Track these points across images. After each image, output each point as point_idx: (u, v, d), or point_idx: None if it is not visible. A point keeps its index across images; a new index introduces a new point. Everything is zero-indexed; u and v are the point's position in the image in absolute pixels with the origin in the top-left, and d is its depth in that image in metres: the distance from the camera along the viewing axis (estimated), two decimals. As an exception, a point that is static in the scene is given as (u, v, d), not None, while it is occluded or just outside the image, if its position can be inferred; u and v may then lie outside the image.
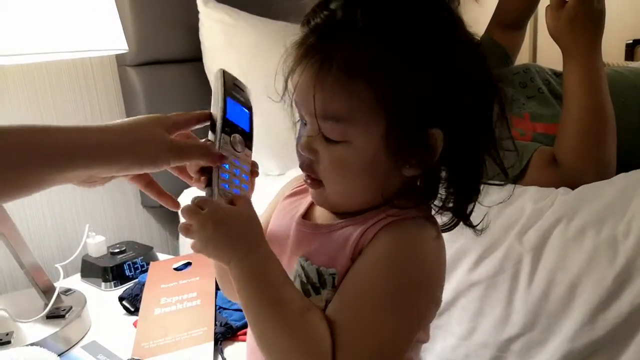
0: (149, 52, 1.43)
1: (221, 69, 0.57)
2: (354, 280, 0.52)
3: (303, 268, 0.57)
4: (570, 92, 1.01)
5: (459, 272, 0.88)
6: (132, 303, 1.07)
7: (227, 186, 0.53)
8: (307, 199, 0.64)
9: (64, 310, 0.96)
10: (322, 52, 0.49)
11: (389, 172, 0.53)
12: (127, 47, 1.07)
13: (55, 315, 0.95)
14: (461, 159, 0.53)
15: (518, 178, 1.06)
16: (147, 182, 0.62)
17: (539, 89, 1.28)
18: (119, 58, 1.44)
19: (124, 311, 1.07)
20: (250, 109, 0.59)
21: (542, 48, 2.79)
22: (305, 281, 0.56)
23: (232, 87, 0.56)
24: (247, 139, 0.57)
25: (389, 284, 0.50)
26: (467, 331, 0.85)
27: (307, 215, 0.63)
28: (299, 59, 0.51)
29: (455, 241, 0.91)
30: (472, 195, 0.55)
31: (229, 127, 0.55)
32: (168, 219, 1.62)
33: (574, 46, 0.99)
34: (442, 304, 0.87)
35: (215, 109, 0.56)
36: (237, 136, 0.55)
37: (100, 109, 1.44)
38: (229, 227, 0.51)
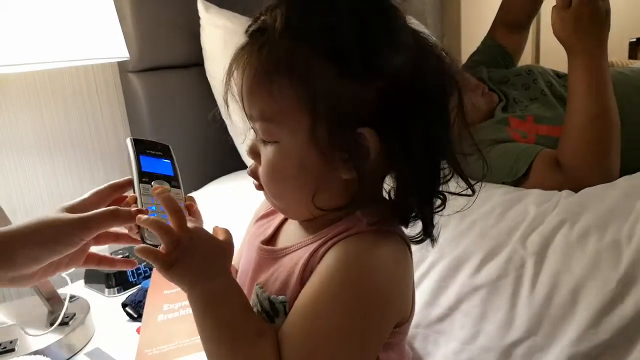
0: (151, 58, 1.43)
1: (130, 137, 0.61)
2: (301, 306, 0.49)
3: (257, 296, 0.56)
4: (575, 94, 1.00)
5: (461, 276, 0.87)
6: (135, 309, 1.07)
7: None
8: (277, 220, 0.63)
9: (67, 317, 0.96)
10: (248, 54, 0.49)
11: (326, 175, 0.50)
12: (128, 55, 1.06)
13: (59, 323, 0.95)
14: (406, 163, 0.49)
15: (521, 180, 1.06)
16: (97, 260, 0.63)
17: (542, 91, 1.27)
18: (121, 64, 1.43)
19: (128, 317, 1.07)
20: (170, 158, 0.63)
21: (545, 49, 2.78)
22: (260, 310, 0.55)
23: (145, 147, 0.62)
24: (173, 179, 0.61)
25: (336, 309, 0.47)
26: (470, 335, 0.84)
27: (274, 237, 0.62)
28: (230, 64, 0.51)
29: (457, 245, 0.90)
30: (427, 204, 0.52)
31: (148, 176, 0.59)
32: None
33: (579, 46, 0.98)
34: (444, 309, 0.88)
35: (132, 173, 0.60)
36: (158, 181, 0.59)
37: (103, 115, 1.44)
38: (200, 253, 0.50)
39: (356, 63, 0.45)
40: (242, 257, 0.65)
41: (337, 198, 0.51)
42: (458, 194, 0.55)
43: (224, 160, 1.43)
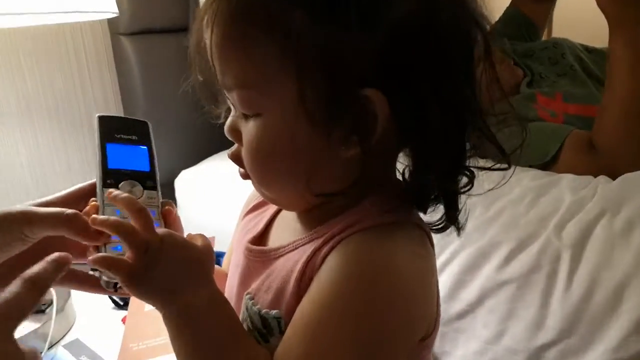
0: (144, 20, 1.33)
1: (98, 115, 0.49)
2: (300, 326, 0.40)
3: (247, 309, 0.47)
4: (616, 68, 0.91)
5: (486, 268, 0.79)
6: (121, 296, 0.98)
7: (120, 248, 0.44)
8: (269, 212, 0.54)
9: (44, 304, 0.87)
10: (217, 2, 0.40)
11: (322, 153, 0.41)
12: (117, 11, 0.96)
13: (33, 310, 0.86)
14: (423, 131, 0.40)
15: (550, 163, 0.98)
16: (78, 280, 0.49)
17: (571, 66, 1.18)
18: (112, 26, 1.34)
19: (112, 305, 0.98)
20: (147, 143, 0.50)
21: (561, 23, 2.64)
22: (252, 327, 0.46)
23: (115, 130, 0.49)
24: (147, 178, 0.49)
25: (345, 330, 0.38)
26: (494, 335, 0.77)
27: (266, 233, 0.52)
28: (199, 17, 0.42)
29: (482, 234, 0.82)
30: (450, 182, 0.43)
31: (114, 176, 0.47)
32: (164, 197, 1.52)
33: (623, 16, 0.90)
34: (465, 305, 0.80)
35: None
36: (127, 183, 0.47)
37: (91, 80, 1.35)
38: (173, 260, 0.41)
39: (350, 4, 0.37)
40: (231, 262, 0.55)
41: (337, 181, 0.42)
42: (489, 169, 0.44)
43: (222, 135, 1.32)
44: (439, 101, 0.39)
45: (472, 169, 0.44)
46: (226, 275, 0.57)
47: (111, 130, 0.49)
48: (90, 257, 0.40)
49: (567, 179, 0.88)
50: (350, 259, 0.40)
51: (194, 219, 1.32)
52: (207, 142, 1.37)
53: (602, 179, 0.87)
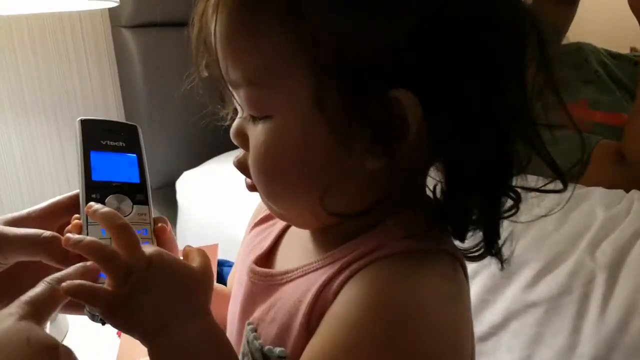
0: (147, 13, 1.27)
1: (80, 119, 0.44)
2: None
3: (248, 343, 0.41)
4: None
5: (512, 288, 0.74)
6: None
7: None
8: (278, 227, 0.48)
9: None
10: None
11: (341, 164, 0.35)
12: (117, 1, 0.90)
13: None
14: (463, 141, 0.34)
15: (575, 175, 0.92)
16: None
17: (596, 72, 1.13)
18: (113, 17, 1.29)
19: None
20: (137, 150, 0.45)
21: (582, 27, 2.59)
22: None
23: (100, 136, 0.44)
24: (138, 191, 0.43)
25: None
26: None
27: (272, 252, 0.46)
28: (202, 3, 0.37)
29: (507, 251, 0.76)
30: (492, 205, 0.37)
31: (99, 190, 0.42)
32: (166, 201, 1.47)
33: None
34: (488, 327, 0.74)
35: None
36: (114, 197, 0.42)
37: (90, 74, 1.30)
38: (162, 287, 0.36)
39: None
40: (235, 281, 0.49)
41: (357, 199, 0.37)
42: (540, 190, 0.38)
43: (227, 136, 1.27)
44: (482, 106, 0.33)
45: (518, 189, 0.38)
46: (228, 299, 0.51)
47: (95, 136, 0.44)
48: (63, 285, 0.34)
49: (598, 192, 0.83)
50: (370, 294, 0.34)
51: (195, 223, 1.28)
52: (211, 142, 1.30)
53: (636, 194, 0.83)
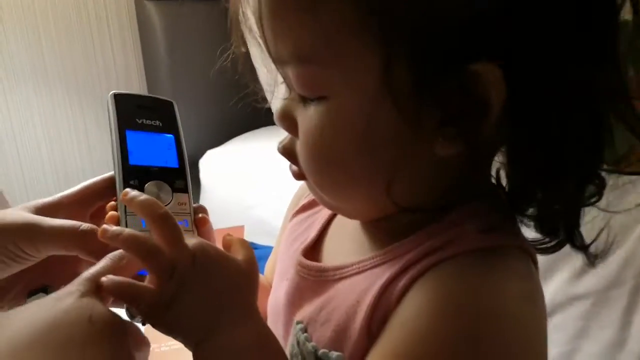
0: (171, -15, 1.26)
1: (112, 93, 0.39)
2: None
3: (298, 344, 0.38)
4: None
5: (556, 280, 0.71)
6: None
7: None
8: (324, 215, 0.44)
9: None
10: None
11: (408, 151, 0.32)
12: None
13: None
14: (550, 121, 0.30)
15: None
16: None
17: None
18: None
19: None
20: (174, 130, 0.41)
21: None
22: None
23: (135, 113, 0.40)
24: (177, 177, 0.39)
25: None
26: (562, 354, 0.70)
27: (319, 243, 0.43)
28: None
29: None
30: (579, 193, 0.33)
31: (137, 175, 0.38)
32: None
33: None
34: None
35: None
36: (153, 184, 0.38)
37: (113, 48, 1.27)
38: (209, 284, 0.32)
39: None
40: (276, 270, 0.46)
41: (424, 188, 0.34)
42: (631, 173, 0.34)
43: (253, 113, 1.25)
44: (580, 80, 0.29)
45: (604, 172, 0.33)
46: (268, 289, 0.47)
47: (130, 113, 0.40)
48: (104, 281, 0.30)
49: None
50: (443, 301, 0.31)
51: (219, 203, 1.26)
52: (235, 119, 1.29)
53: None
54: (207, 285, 0.32)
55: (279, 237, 0.51)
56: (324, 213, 0.44)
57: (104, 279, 0.30)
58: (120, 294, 0.30)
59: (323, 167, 0.34)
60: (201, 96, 1.29)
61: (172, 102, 0.42)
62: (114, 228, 0.32)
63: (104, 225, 0.32)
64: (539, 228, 0.34)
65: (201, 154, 1.30)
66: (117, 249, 0.33)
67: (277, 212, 1.13)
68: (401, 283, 0.32)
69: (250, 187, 1.19)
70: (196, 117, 1.31)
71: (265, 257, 0.99)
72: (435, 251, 0.32)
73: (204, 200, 1.32)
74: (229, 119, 1.32)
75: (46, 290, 0.39)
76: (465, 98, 0.29)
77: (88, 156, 1.25)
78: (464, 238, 0.32)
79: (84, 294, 0.30)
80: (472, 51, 0.28)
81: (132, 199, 0.33)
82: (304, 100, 0.33)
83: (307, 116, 0.33)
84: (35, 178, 1.18)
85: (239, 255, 0.34)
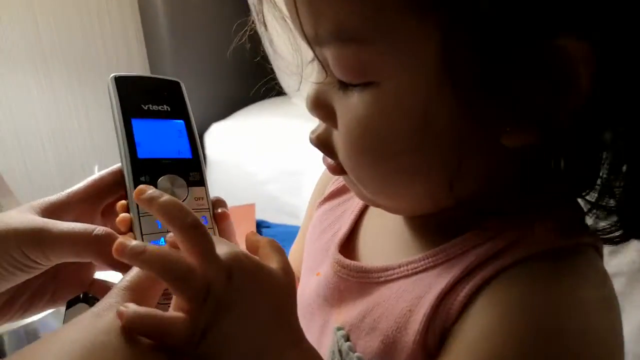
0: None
1: (113, 76, 0.36)
2: None
3: (341, 353, 0.34)
4: None
5: None
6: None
7: None
8: (355, 205, 0.41)
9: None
10: None
11: (474, 143, 0.28)
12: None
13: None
14: None
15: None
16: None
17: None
18: None
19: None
20: (184, 115, 0.37)
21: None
22: None
23: (140, 98, 0.36)
24: (191, 168, 0.36)
25: None
26: None
27: (353, 235, 0.39)
28: None
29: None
30: None
31: (148, 170, 0.35)
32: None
33: None
34: None
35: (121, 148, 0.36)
36: (166, 179, 0.35)
37: (112, 25, 1.22)
38: (250, 305, 0.28)
39: None
40: (304, 263, 0.43)
41: (486, 182, 0.30)
42: None
43: (257, 83, 1.23)
44: None
45: None
46: (296, 281, 0.44)
47: (135, 98, 0.36)
48: (121, 312, 0.26)
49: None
50: (520, 317, 0.27)
51: (227, 179, 1.23)
52: (240, 92, 1.22)
53: None
54: (246, 307, 0.27)
55: (304, 226, 0.47)
56: (355, 202, 0.40)
57: (123, 310, 0.25)
58: (145, 331, 0.26)
59: (370, 162, 0.30)
60: (203, 67, 1.25)
61: (179, 82, 0.38)
62: (133, 244, 0.27)
63: (120, 240, 0.27)
64: (621, 221, 0.30)
65: (206, 127, 1.27)
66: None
67: (289, 188, 1.11)
68: (463, 292, 0.29)
69: (259, 162, 1.15)
70: (199, 90, 1.27)
71: (278, 236, 0.96)
72: (500, 254, 0.29)
73: (211, 177, 1.28)
74: (234, 90, 1.27)
75: (87, 299, 0.36)
76: (545, 79, 0.25)
77: (90, 139, 1.21)
78: (532, 237, 0.29)
79: (124, 303, 0.27)
80: (556, 23, 0.24)
81: (152, 200, 0.28)
82: (345, 86, 0.29)
83: (350, 104, 0.29)
84: (36, 163, 1.15)
85: (271, 261, 0.30)
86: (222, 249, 0.28)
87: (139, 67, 1.27)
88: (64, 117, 1.17)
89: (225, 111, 1.28)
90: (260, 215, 1.01)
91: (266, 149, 1.13)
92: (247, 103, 1.27)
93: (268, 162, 1.13)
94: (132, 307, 0.25)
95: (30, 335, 0.75)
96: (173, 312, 0.26)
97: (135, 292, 0.27)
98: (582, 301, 0.28)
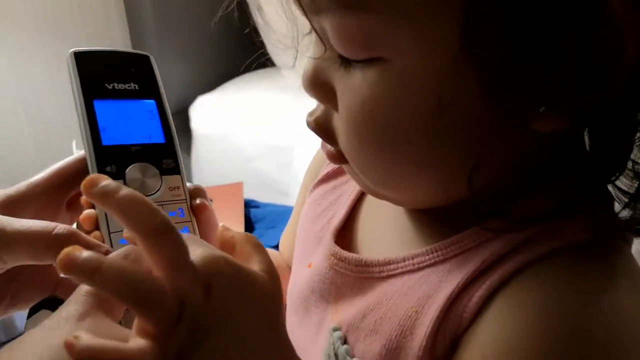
0: None
1: (72, 51, 0.32)
2: None
3: (337, 357, 0.31)
4: None
5: None
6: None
7: None
8: (351, 189, 0.38)
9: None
10: None
11: (495, 128, 0.25)
12: None
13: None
14: None
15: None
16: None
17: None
18: None
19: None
20: (156, 93, 0.34)
21: None
22: None
23: (104, 76, 0.33)
24: (164, 154, 0.33)
25: None
26: None
27: (350, 223, 0.36)
28: None
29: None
30: None
31: (115, 159, 0.31)
32: (179, 126, 1.35)
33: None
34: None
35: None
36: (136, 168, 0.32)
37: (94, 14, 1.16)
38: (233, 324, 0.23)
39: None
40: (296, 252, 0.39)
41: (508, 170, 0.27)
42: None
43: (246, 53, 1.17)
44: None
45: None
46: (287, 271, 0.40)
47: (98, 76, 0.32)
48: (69, 343, 0.20)
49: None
50: (546, 325, 0.24)
51: (213, 155, 1.19)
52: (226, 62, 1.17)
53: None
54: (230, 327, 0.23)
55: (296, 211, 0.44)
56: (352, 185, 0.37)
57: (72, 342, 0.20)
58: (100, 358, 0.20)
59: (374, 151, 0.27)
60: (188, 36, 1.20)
61: (148, 56, 0.34)
62: (84, 257, 0.20)
63: (67, 251, 0.20)
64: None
65: (191, 101, 1.22)
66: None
67: (278, 164, 1.06)
68: (478, 293, 0.25)
69: (247, 137, 1.11)
70: (184, 61, 1.22)
71: (268, 217, 0.93)
72: (519, 249, 0.26)
73: (196, 152, 1.24)
74: (220, 61, 1.22)
75: (52, 304, 0.31)
76: (588, 54, 0.21)
77: (71, 123, 1.15)
78: (558, 230, 0.26)
79: (83, 315, 0.23)
80: None
81: (105, 195, 0.22)
82: (346, 62, 0.26)
83: (352, 84, 0.26)
84: (16, 148, 1.10)
85: (252, 263, 0.25)
86: (198, 254, 0.23)
87: (119, 36, 1.20)
88: (40, 90, 1.11)
89: (212, 83, 1.23)
90: (248, 194, 0.96)
91: (255, 123, 1.09)
92: (235, 75, 1.22)
93: (256, 137, 1.08)
94: (83, 340, 0.20)
95: (6, 327, 0.71)
96: (136, 340, 0.21)
97: (100, 298, 0.23)
98: (615, 305, 0.25)
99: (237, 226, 0.87)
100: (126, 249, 0.25)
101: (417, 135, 0.26)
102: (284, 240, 0.46)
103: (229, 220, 0.89)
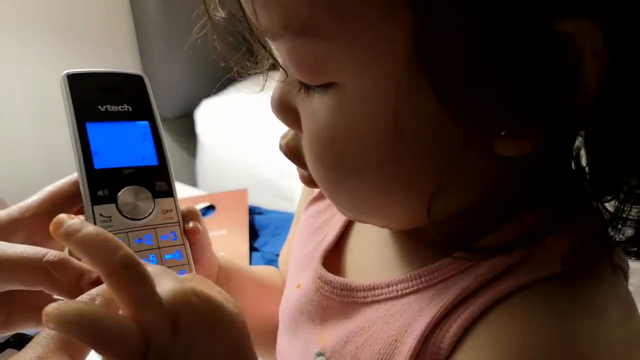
0: None
1: (65, 73, 0.33)
2: None
3: None
4: None
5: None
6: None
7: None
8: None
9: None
10: None
11: (457, 153, 0.24)
12: None
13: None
14: None
15: None
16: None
17: None
18: None
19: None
20: (149, 114, 0.35)
21: None
22: None
23: (97, 98, 0.33)
24: (157, 177, 0.33)
25: None
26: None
27: (340, 246, 0.36)
28: None
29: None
30: None
31: (107, 183, 0.32)
32: (184, 130, 1.36)
33: None
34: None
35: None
36: (129, 191, 0.32)
37: (101, 18, 1.17)
38: (210, 353, 0.24)
39: None
40: (289, 270, 0.39)
41: (470, 193, 0.27)
42: None
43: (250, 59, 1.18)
44: None
45: None
46: (280, 289, 0.39)
47: (91, 99, 0.33)
48: None
49: None
50: (527, 356, 0.23)
51: (218, 160, 1.19)
52: (232, 67, 1.18)
53: None
54: None
55: (293, 227, 0.44)
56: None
57: None
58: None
59: (338, 177, 0.27)
60: (194, 40, 1.18)
61: (141, 77, 0.35)
62: (51, 306, 0.21)
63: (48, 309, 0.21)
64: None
65: (196, 104, 1.22)
66: (93, 283, 0.26)
67: (282, 171, 1.05)
68: (456, 323, 0.25)
69: (252, 141, 1.11)
70: (190, 64, 1.23)
71: (273, 223, 0.91)
72: (501, 276, 0.25)
73: (201, 157, 1.24)
74: (225, 66, 1.21)
75: (18, 342, 0.33)
76: (545, 73, 0.21)
77: None
78: (542, 256, 0.25)
79: (44, 359, 0.22)
80: (560, 4, 0.20)
81: (68, 235, 0.23)
82: (306, 86, 0.26)
83: (313, 108, 0.26)
84: (23, 157, 1.08)
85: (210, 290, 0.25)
86: (166, 288, 0.23)
87: (126, 40, 1.21)
88: (44, 87, 1.11)
89: (217, 87, 1.22)
90: (252, 198, 0.95)
91: (260, 127, 1.09)
92: (241, 77, 1.21)
93: (261, 141, 1.08)
94: None
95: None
96: None
97: (63, 340, 0.23)
98: (600, 341, 0.24)
99: (242, 233, 0.88)
100: (98, 290, 0.25)
101: (378, 159, 0.25)
102: (282, 256, 0.46)
103: (233, 227, 0.89)
